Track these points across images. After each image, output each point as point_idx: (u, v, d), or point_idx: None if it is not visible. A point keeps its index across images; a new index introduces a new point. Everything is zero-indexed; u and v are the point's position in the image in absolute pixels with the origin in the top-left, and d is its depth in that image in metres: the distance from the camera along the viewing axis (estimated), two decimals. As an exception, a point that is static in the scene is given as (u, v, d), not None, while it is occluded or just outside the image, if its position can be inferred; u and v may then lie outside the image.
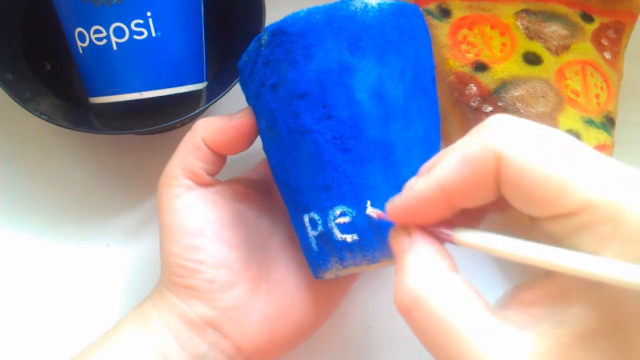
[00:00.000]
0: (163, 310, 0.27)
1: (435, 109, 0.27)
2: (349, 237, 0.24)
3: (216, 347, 0.27)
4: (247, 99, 0.28)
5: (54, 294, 0.34)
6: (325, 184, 0.24)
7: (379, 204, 0.24)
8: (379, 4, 0.25)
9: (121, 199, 0.37)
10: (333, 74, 0.24)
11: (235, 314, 0.27)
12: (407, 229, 0.21)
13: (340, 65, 0.24)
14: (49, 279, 0.35)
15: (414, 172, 0.24)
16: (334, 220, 0.24)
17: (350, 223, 0.24)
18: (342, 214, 0.24)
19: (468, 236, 0.20)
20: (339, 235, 0.24)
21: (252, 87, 0.27)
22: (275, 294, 0.28)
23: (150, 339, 0.27)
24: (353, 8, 0.24)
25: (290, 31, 0.24)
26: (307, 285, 0.29)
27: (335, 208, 0.24)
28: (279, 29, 0.25)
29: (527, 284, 0.20)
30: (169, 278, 0.27)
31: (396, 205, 0.21)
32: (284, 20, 0.25)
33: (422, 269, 0.19)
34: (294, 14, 0.24)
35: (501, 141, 0.18)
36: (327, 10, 0.24)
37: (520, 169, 0.18)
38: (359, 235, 0.24)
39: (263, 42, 0.25)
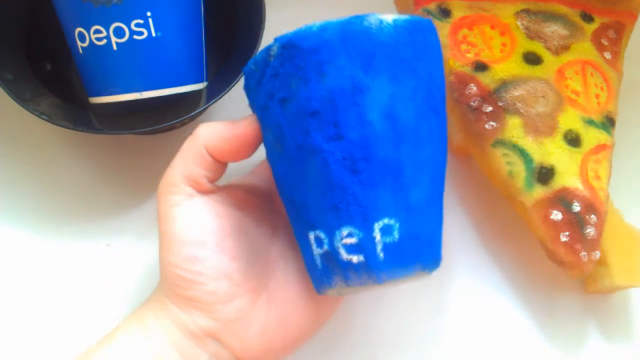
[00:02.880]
0: (162, 318, 0.27)
1: (444, 129, 0.26)
2: (355, 258, 0.24)
3: (216, 357, 0.27)
4: (252, 107, 0.27)
5: (53, 293, 0.34)
6: (333, 204, 0.24)
7: (387, 227, 0.24)
8: (394, 20, 0.24)
9: (121, 199, 0.37)
10: (345, 92, 0.23)
11: (236, 325, 0.27)
12: None
13: (353, 84, 0.23)
14: (48, 279, 0.35)
15: (422, 192, 0.24)
16: (340, 241, 0.24)
17: (357, 244, 0.24)
18: (349, 235, 0.24)
19: None
20: (344, 255, 0.24)
21: (260, 98, 0.26)
22: (275, 303, 0.28)
23: (149, 348, 0.26)
24: (367, 24, 0.23)
25: (303, 46, 0.24)
26: (305, 293, 0.29)
27: (342, 229, 0.24)
28: (291, 43, 0.24)
29: None
30: (168, 287, 0.27)
31: None
32: (297, 34, 0.24)
33: None
34: (306, 27, 0.24)
35: None
36: (341, 26, 0.23)
37: None
38: (365, 257, 0.24)
39: (272, 53, 0.25)
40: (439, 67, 0.26)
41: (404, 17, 0.24)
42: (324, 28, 0.23)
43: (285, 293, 0.28)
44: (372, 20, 0.24)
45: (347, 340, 0.34)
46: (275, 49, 0.25)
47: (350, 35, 0.23)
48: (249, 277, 0.28)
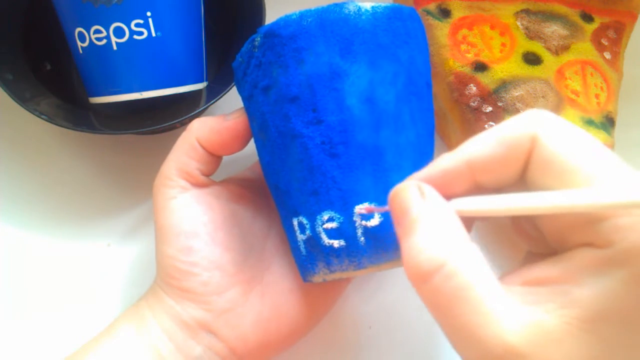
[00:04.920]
0: (158, 311, 0.27)
1: (429, 115, 0.26)
2: (336, 243, 0.24)
3: (211, 349, 0.27)
4: (242, 100, 0.28)
5: (54, 293, 0.34)
6: (314, 188, 0.24)
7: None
8: (372, 8, 0.24)
9: (121, 199, 0.37)
10: (323, 78, 0.24)
11: (229, 316, 0.27)
12: (420, 188, 0.20)
13: (331, 69, 0.24)
14: (49, 279, 0.35)
15: (404, 177, 0.24)
16: (321, 225, 0.24)
17: (337, 229, 0.24)
18: (330, 219, 0.24)
19: (464, 204, 0.20)
20: (326, 240, 0.24)
21: (246, 88, 0.27)
22: (269, 296, 0.28)
23: (145, 340, 0.27)
24: (346, 11, 0.24)
25: (282, 34, 0.24)
26: (300, 287, 0.29)
27: (323, 213, 0.24)
28: (271, 32, 0.24)
29: (533, 264, 0.20)
30: (164, 279, 0.27)
31: (419, 177, 0.21)
32: (276, 23, 0.24)
33: (446, 234, 0.19)
34: (286, 16, 0.24)
35: (539, 125, 0.19)
36: (319, 14, 0.24)
37: (553, 152, 0.19)
38: (346, 241, 0.24)
39: (256, 43, 0.25)
40: (421, 53, 0.26)
41: (383, 4, 0.25)
42: (303, 16, 0.24)
43: (279, 286, 0.29)
44: (351, 7, 0.24)
45: (347, 340, 0.34)
46: (258, 39, 0.25)
47: (329, 22, 0.24)
48: (242, 269, 0.28)
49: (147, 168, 0.37)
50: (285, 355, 0.30)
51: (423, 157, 0.25)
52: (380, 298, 0.35)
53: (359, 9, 0.24)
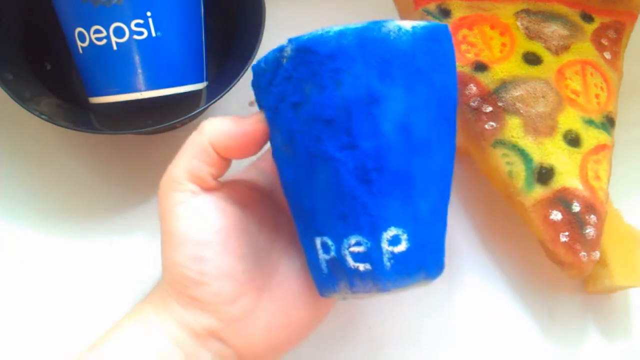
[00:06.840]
0: (165, 317, 0.27)
1: (453, 137, 0.26)
2: (361, 266, 0.24)
3: (220, 356, 0.27)
4: (259, 105, 0.27)
5: (56, 292, 0.34)
6: (343, 212, 0.24)
7: (395, 237, 0.24)
8: (413, 28, 0.23)
9: (121, 199, 0.37)
10: (361, 102, 0.23)
11: (240, 324, 0.27)
12: None
13: (369, 93, 0.23)
14: (51, 278, 0.35)
15: (429, 203, 0.24)
16: (347, 249, 0.24)
17: (364, 253, 0.24)
18: (357, 244, 0.24)
19: None
20: (351, 263, 0.24)
21: (270, 99, 0.25)
22: (278, 301, 0.28)
23: (153, 347, 0.26)
24: (385, 31, 0.23)
25: (320, 51, 0.23)
26: (306, 289, 0.28)
27: (350, 237, 0.24)
28: (306, 47, 0.23)
29: None
30: (172, 285, 0.27)
31: None
32: (312, 39, 0.23)
33: None
34: (323, 32, 0.23)
35: None
36: (359, 32, 0.23)
37: None
38: (372, 265, 0.24)
39: (286, 54, 0.24)
40: (452, 75, 0.26)
41: (422, 23, 0.24)
42: (342, 34, 0.23)
43: (287, 290, 0.28)
44: (391, 27, 0.23)
45: (347, 340, 0.34)
46: (288, 50, 0.24)
47: (368, 42, 0.23)
48: (253, 276, 0.27)
49: (147, 168, 0.37)
50: (285, 355, 0.30)
51: (445, 180, 0.25)
52: (381, 298, 0.35)
53: (399, 29, 0.23)
